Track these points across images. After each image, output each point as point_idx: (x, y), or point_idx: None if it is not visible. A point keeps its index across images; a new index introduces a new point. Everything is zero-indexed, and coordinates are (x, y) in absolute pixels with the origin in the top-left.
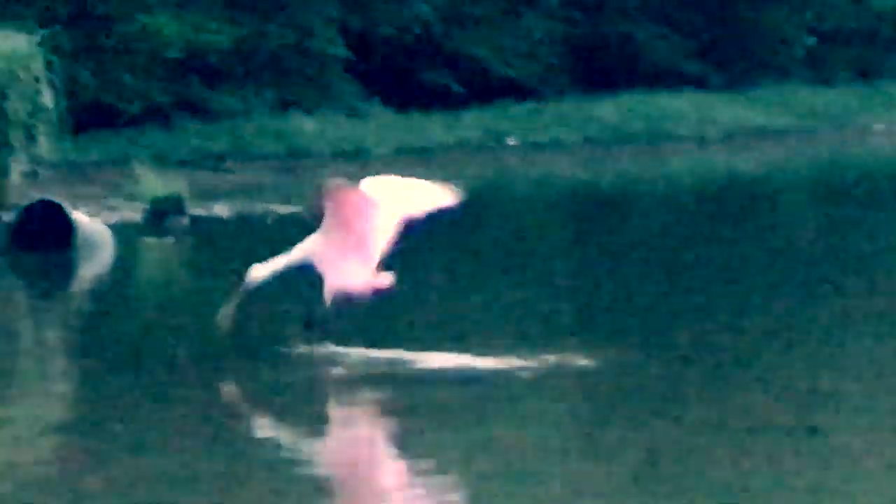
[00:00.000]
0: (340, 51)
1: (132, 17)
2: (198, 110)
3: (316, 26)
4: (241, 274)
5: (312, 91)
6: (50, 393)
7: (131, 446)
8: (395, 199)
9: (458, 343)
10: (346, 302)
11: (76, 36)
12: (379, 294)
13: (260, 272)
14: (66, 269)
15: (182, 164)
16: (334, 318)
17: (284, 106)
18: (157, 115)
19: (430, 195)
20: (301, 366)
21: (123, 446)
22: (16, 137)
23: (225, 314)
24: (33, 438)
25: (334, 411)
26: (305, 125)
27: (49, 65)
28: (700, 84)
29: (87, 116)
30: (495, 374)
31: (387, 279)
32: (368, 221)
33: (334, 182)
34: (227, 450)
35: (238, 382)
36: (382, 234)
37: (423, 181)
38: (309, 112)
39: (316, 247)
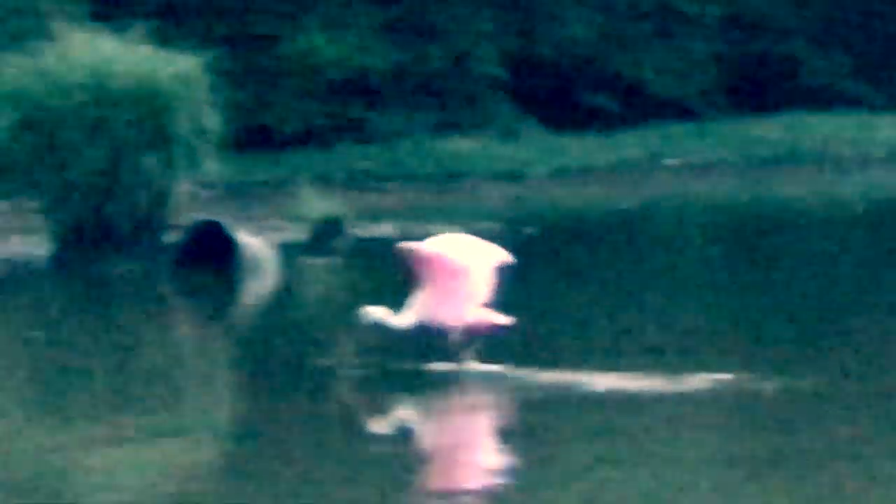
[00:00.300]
0: (498, 72)
1: (292, 38)
2: (356, 131)
3: (474, 47)
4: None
5: (470, 112)
6: (210, 409)
7: (287, 460)
8: (461, 253)
9: (621, 364)
10: (466, 337)
11: (236, 57)
12: (496, 330)
13: (369, 314)
14: (230, 289)
15: (341, 184)
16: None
17: (442, 127)
18: (315, 137)
19: (488, 252)
20: (465, 387)
21: (280, 460)
22: (180, 158)
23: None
24: (198, 449)
25: (507, 433)
26: (463, 146)
27: (214, 86)
28: (861, 103)
29: (247, 137)
30: (661, 394)
31: (503, 318)
32: (450, 272)
33: (404, 246)
34: (386, 472)
35: (402, 403)
36: (473, 280)
37: (477, 240)
38: (466, 133)
39: (420, 306)
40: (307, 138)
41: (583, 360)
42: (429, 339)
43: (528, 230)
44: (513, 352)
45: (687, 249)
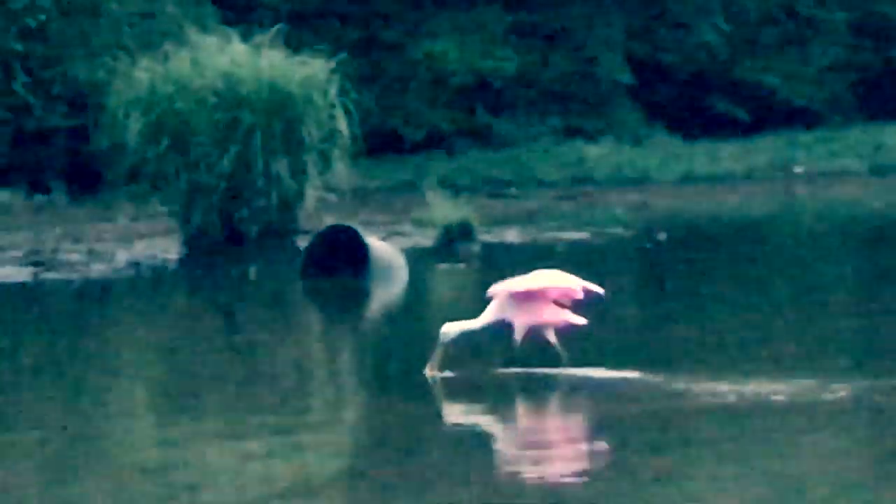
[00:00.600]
0: (625, 78)
1: (418, 44)
2: (481, 137)
3: (600, 53)
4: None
5: (596, 118)
6: (333, 412)
7: (406, 464)
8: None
9: (754, 371)
10: (540, 337)
11: (362, 62)
12: (571, 329)
13: (451, 329)
14: (361, 294)
15: (466, 190)
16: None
17: (568, 133)
18: (441, 142)
19: (567, 284)
20: (593, 395)
21: (400, 464)
22: (310, 162)
23: (432, 368)
24: (318, 451)
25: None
26: (588, 152)
27: (343, 90)
28: None
29: (372, 142)
30: (790, 403)
31: (580, 319)
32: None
33: (494, 289)
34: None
35: (527, 411)
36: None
37: (567, 275)
38: (592, 139)
39: (502, 307)
40: (432, 143)
41: (717, 367)
42: (504, 339)
43: (661, 236)
44: (643, 358)
45: (818, 256)
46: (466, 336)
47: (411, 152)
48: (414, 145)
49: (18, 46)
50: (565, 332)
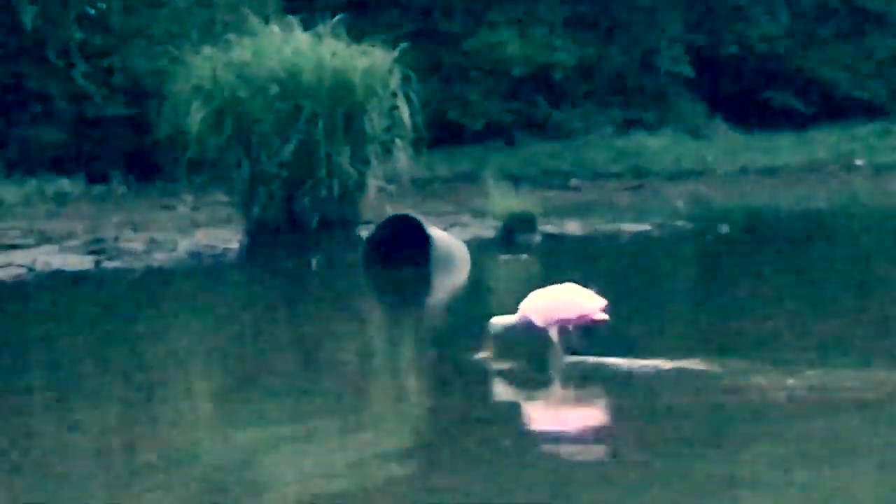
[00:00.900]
0: (684, 69)
1: (478, 34)
2: (541, 128)
3: (660, 44)
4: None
5: (655, 109)
6: (398, 411)
7: (468, 458)
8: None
9: (814, 361)
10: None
11: (421, 52)
12: (590, 324)
13: (497, 322)
14: (423, 284)
15: (526, 181)
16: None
17: (627, 124)
18: (499, 133)
19: (584, 301)
20: (653, 387)
21: (462, 458)
22: (373, 152)
23: (484, 358)
24: (379, 444)
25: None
26: (648, 143)
27: (405, 80)
28: None
29: (431, 133)
30: (861, 398)
31: (603, 315)
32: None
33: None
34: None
35: (583, 400)
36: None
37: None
38: (651, 130)
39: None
40: (491, 134)
41: (786, 360)
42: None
43: (723, 229)
44: (715, 349)
45: (881, 249)
46: (511, 330)
47: (470, 143)
48: (473, 136)
49: (78, 35)
50: (587, 325)
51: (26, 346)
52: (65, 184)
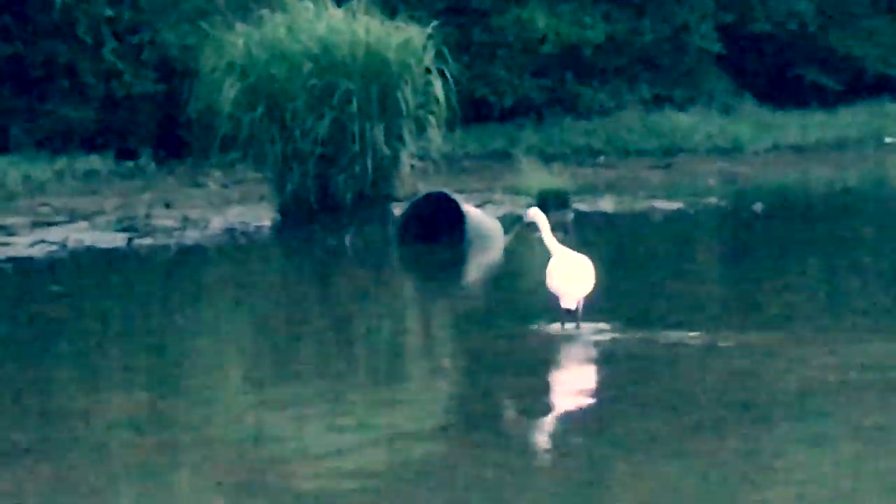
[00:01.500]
0: (714, 46)
1: (507, 10)
2: (570, 106)
3: (690, 21)
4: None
5: (685, 87)
6: (426, 395)
7: (497, 438)
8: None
9: (848, 339)
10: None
11: (451, 29)
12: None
13: (537, 213)
14: (458, 261)
15: (556, 158)
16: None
17: (657, 102)
18: (529, 110)
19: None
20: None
21: (488, 436)
22: (407, 129)
23: (509, 241)
24: (412, 421)
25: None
26: (678, 121)
27: (439, 56)
28: None
29: (461, 110)
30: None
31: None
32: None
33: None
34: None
35: (621, 374)
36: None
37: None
38: (681, 108)
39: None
40: (521, 112)
41: (834, 334)
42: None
43: (758, 207)
44: (760, 324)
45: None
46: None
47: (500, 120)
48: (503, 113)
49: (108, 12)
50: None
51: (59, 322)
52: (95, 161)
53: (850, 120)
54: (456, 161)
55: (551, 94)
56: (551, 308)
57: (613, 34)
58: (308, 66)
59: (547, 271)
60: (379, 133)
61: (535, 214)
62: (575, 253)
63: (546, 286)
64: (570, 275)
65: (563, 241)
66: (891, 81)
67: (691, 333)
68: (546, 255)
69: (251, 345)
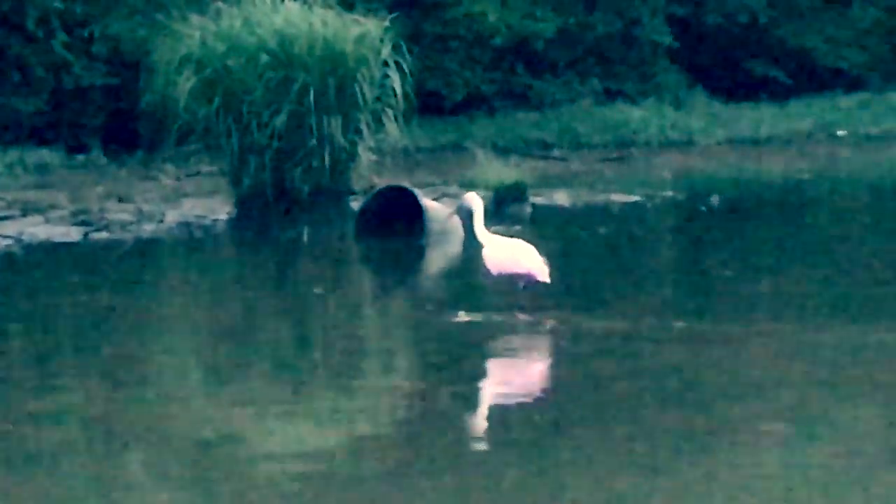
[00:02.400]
0: (666, 39)
1: (458, 3)
2: (522, 99)
3: (642, 14)
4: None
5: (636, 80)
6: (384, 388)
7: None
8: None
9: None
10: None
11: (402, 22)
12: (533, 283)
13: (474, 198)
14: (417, 256)
15: (508, 151)
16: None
17: (609, 95)
18: (480, 103)
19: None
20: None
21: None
22: (363, 122)
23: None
24: (371, 425)
25: None
26: (630, 114)
27: (396, 49)
28: None
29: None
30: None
31: (545, 276)
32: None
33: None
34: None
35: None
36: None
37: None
38: (633, 101)
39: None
40: (473, 104)
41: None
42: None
43: (714, 199)
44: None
45: (858, 220)
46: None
47: (452, 113)
48: (454, 106)
49: (58, 4)
50: (530, 285)
51: (18, 318)
52: (45, 154)
53: (802, 113)
54: (408, 154)
55: (503, 87)
56: (498, 295)
57: (564, 27)
58: (265, 58)
59: (491, 258)
60: (336, 126)
61: (472, 199)
62: (509, 238)
63: (486, 274)
64: (531, 252)
65: (520, 235)
66: (841, 74)
67: (657, 323)
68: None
69: (209, 338)
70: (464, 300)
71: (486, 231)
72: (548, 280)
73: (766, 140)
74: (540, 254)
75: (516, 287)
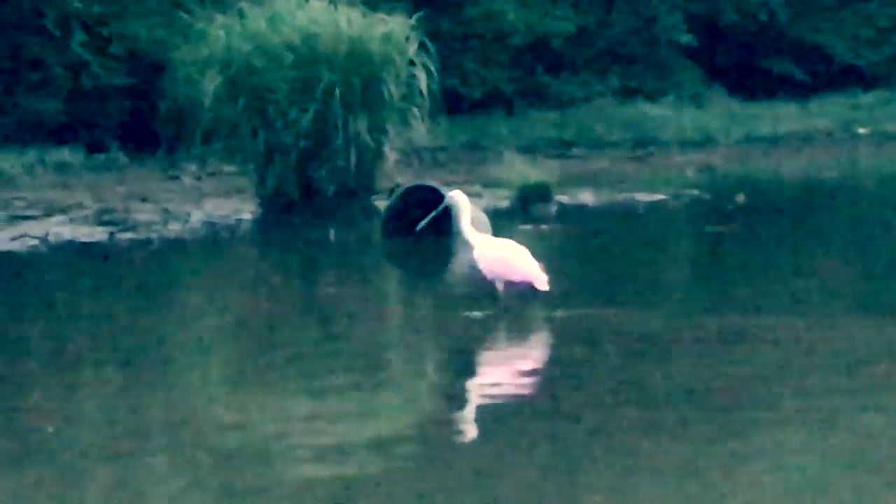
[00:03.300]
0: (684, 38)
1: (477, 2)
2: (540, 97)
3: (660, 13)
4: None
5: (655, 78)
6: (412, 380)
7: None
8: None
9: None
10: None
11: (422, 20)
12: (530, 290)
13: (460, 196)
14: (445, 254)
15: (528, 150)
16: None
17: (628, 93)
18: (499, 101)
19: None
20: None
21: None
22: (389, 121)
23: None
24: (394, 422)
25: None
26: (649, 112)
27: (421, 48)
28: None
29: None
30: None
31: (543, 283)
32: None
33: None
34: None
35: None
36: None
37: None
38: (652, 99)
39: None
40: (491, 103)
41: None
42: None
43: (740, 198)
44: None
45: (879, 218)
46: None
47: (470, 112)
48: (473, 105)
49: (76, 4)
50: (527, 291)
51: (45, 317)
52: (65, 154)
53: (821, 111)
54: (431, 153)
55: (521, 86)
56: (479, 295)
57: (583, 25)
58: (290, 58)
59: (483, 259)
60: (362, 125)
61: (457, 198)
62: (498, 238)
63: (477, 277)
64: (524, 254)
65: (548, 234)
66: (860, 72)
67: (684, 322)
68: (541, 249)
69: (235, 338)
70: (487, 298)
71: (474, 230)
72: (546, 288)
73: (785, 138)
74: (537, 255)
75: (508, 290)
